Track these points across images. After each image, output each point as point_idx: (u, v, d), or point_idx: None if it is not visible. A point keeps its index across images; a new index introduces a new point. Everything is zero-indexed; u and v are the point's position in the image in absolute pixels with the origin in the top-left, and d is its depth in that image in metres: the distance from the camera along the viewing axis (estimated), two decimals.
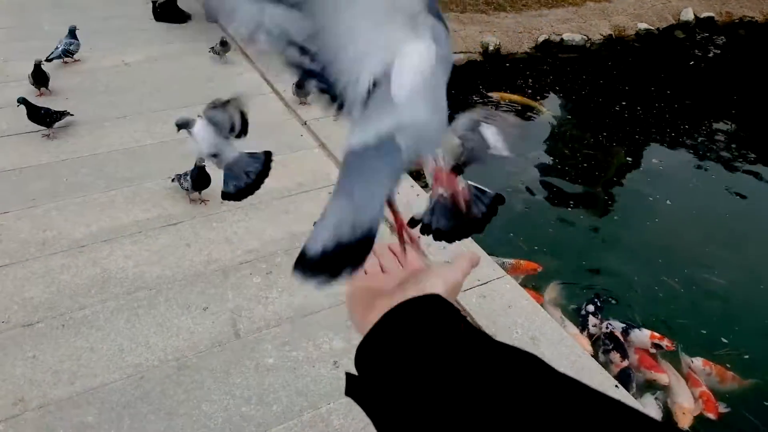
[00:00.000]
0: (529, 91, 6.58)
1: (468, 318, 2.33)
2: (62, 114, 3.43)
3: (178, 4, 5.37)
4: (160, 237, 2.75)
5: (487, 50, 7.03)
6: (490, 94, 6.07)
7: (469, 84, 6.42)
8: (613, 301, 3.37)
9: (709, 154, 5.50)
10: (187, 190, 2.90)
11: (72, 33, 4.24)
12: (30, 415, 1.95)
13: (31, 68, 3.83)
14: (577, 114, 6.31)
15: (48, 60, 4.06)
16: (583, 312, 3.12)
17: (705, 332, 3.33)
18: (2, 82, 4.08)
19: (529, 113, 5.88)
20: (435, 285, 0.49)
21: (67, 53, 4.23)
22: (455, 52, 6.74)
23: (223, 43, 4.38)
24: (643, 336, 2.92)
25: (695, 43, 8.49)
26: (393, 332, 0.43)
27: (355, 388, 0.44)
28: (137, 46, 4.76)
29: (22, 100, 3.32)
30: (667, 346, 2.88)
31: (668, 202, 4.56)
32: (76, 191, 3.03)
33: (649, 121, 6.09)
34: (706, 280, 3.73)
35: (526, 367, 0.38)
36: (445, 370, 0.38)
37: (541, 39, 7.49)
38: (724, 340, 3.24)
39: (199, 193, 2.92)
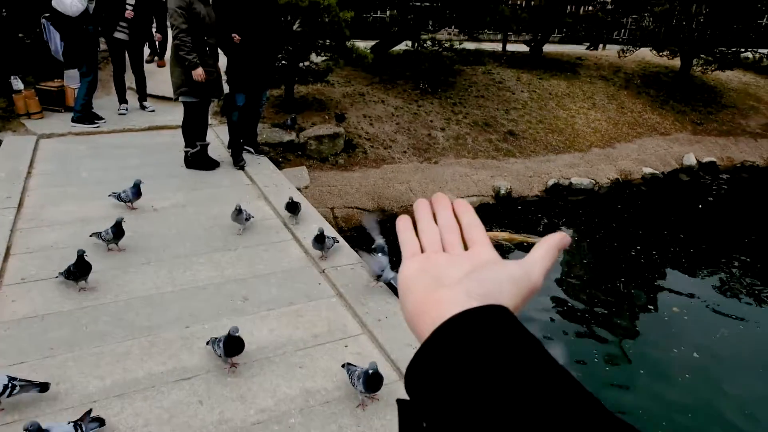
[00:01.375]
0: (540, 229, 6.69)
1: None
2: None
3: (208, 152, 5.76)
4: (173, 393, 2.70)
5: (499, 194, 7.30)
6: (489, 234, 6.18)
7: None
8: None
9: (729, 299, 5.43)
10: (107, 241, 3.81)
11: (136, 186, 4.58)
12: None
13: (66, 213, 4.03)
14: (590, 257, 6.36)
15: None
16: None
17: None
18: (37, 227, 4.28)
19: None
20: (502, 290, 0.41)
21: (120, 198, 4.58)
22: (470, 196, 7.01)
23: (239, 212, 4.29)
24: None
25: (701, 186, 8.77)
26: (444, 355, 0.36)
27: (407, 417, 0.38)
28: (167, 191, 5.04)
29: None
30: None
31: (695, 354, 4.42)
32: (94, 340, 3.04)
33: (664, 264, 6.10)
34: None
35: (590, 406, 0.33)
36: (499, 408, 0.32)
37: (550, 183, 7.81)
38: None
39: None
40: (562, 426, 0.31)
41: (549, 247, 0.48)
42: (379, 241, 3.69)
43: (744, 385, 4.09)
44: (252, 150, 6.18)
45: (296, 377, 2.84)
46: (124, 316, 3.28)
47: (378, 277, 3.60)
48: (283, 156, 6.96)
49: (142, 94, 7.59)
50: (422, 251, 0.50)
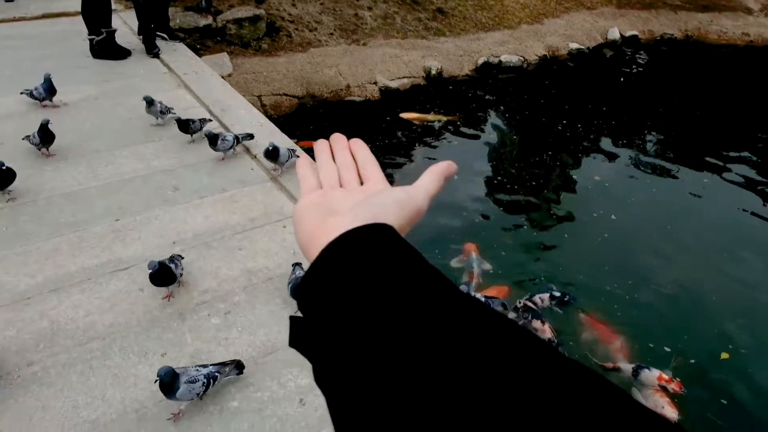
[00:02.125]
0: (472, 108, 6.77)
1: None
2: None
3: (117, 40, 5.27)
4: (111, 283, 2.67)
5: (430, 74, 7.22)
6: (402, 115, 6.22)
7: (410, 106, 6.55)
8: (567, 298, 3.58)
9: (644, 166, 5.81)
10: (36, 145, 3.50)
11: (47, 81, 4.10)
12: None
13: None
14: (519, 132, 6.54)
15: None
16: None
17: (649, 337, 3.50)
18: None
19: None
20: (388, 212, 0.43)
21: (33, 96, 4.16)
22: (400, 77, 6.89)
23: (150, 104, 4.00)
24: (651, 376, 3.09)
25: (624, 60, 9.00)
26: (331, 271, 0.38)
27: (297, 334, 0.39)
28: (76, 85, 4.63)
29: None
30: (674, 388, 3.04)
31: (613, 216, 4.78)
32: (17, 241, 2.90)
33: (588, 136, 6.38)
34: (653, 289, 3.92)
35: (473, 310, 0.33)
36: (384, 313, 0.33)
37: (480, 61, 7.77)
38: (667, 349, 3.42)
39: None
40: (431, 321, 0.32)
41: (435, 174, 0.50)
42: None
43: (651, 239, 4.51)
44: (165, 36, 5.70)
45: (236, 259, 2.87)
46: (45, 214, 3.12)
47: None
48: (201, 42, 6.49)
49: None
50: (321, 188, 0.52)
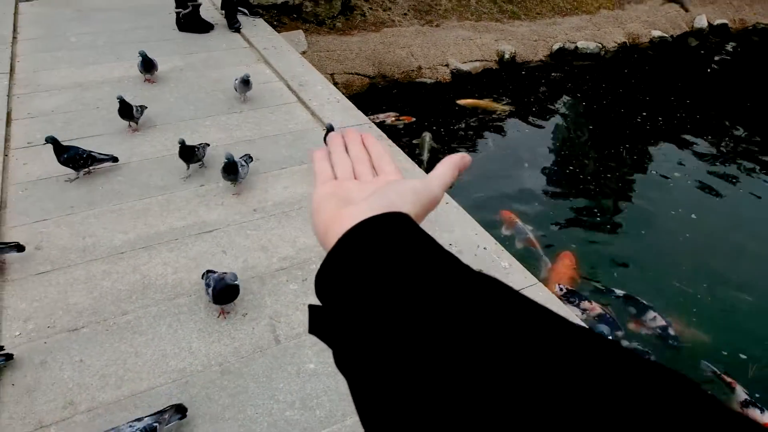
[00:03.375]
0: (545, 97, 6.61)
1: None
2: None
3: (201, 14, 5.46)
4: (197, 244, 2.81)
5: (503, 58, 7.08)
6: (459, 102, 6.11)
7: (481, 90, 6.46)
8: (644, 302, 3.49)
9: (729, 164, 5.51)
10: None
11: (142, 56, 4.22)
12: (80, 418, 2.00)
13: (62, 78, 3.90)
14: (595, 122, 6.32)
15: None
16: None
17: (722, 341, 3.35)
18: (34, 92, 4.16)
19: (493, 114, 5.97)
20: (404, 201, 0.44)
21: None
22: (473, 60, 6.80)
23: (245, 81, 4.03)
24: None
25: (710, 50, 8.51)
26: (347, 259, 0.38)
27: (317, 321, 0.40)
28: (163, 56, 4.84)
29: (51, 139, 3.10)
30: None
31: (693, 216, 4.58)
32: (111, 199, 3.10)
33: (669, 130, 6.10)
34: (731, 294, 3.75)
35: (491, 292, 0.33)
36: (400, 298, 0.34)
37: (555, 47, 7.55)
38: (743, 356, 3.27)
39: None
40: (454, 306, 0.32)
41: (450, 164, 0.51)
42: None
43: (732, 242, 4.29)
44: (246, 11, 5.85)
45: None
46: (137, 177, 3.31)
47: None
48: (277, 19, 6.62)
49: None
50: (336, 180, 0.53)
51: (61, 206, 3.02)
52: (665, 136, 5.95)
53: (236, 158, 3.05)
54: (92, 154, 3.18)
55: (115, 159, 3.29)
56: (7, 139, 3.58)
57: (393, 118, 5.64)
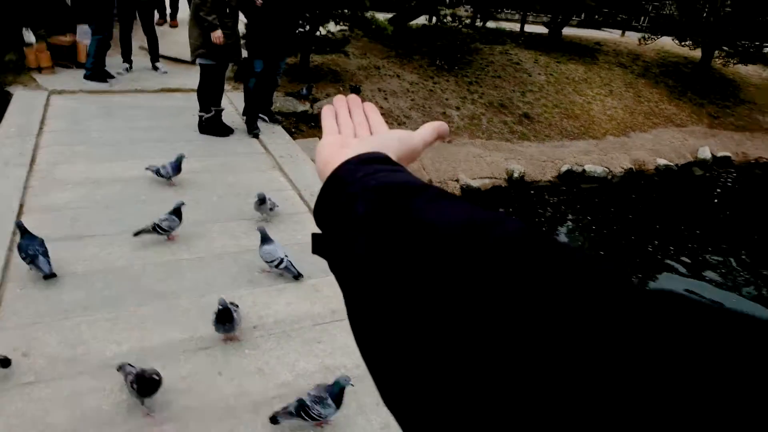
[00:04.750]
0: (554, 218, 6.64)
1: None
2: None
3: (222, 118, 5.65)
4: (191, 361, 2.66)
5: (512, 177, 7.22)
6: None
7: (491, 207, 6.51)
8: None
9: (745, 298, 5.40)
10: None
11: (179, 161, 4.32)
12: None
13: (77, 173, 3.95)
14: (604, 247, 6.29)
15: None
16: None
17: None
18: (49, 185, 4.20)
19: None
20: (389, 146, 0.52)
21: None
22: (483, 177, 6.93)
23: (262, 202, 3.95)
24: None
25: (715, 181, 8.69)
26: (336, 188, 0.45)
27: (317, 245, 0.45)
28: None
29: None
30: None
31: None
32: (108, 305, 2.99)
33: (681, 260, 6.04)
34: None
35: (454, 209, 0.37)
36: (378, 214, 0.39)
37: (564, 169, 7.72)
38: None
39: None
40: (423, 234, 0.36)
41: (431, 128, 0.59)
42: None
43: None
44: (266, 118, 6.07)
45: (314, 353, 2.81)
46: (138, 281, 3.23)
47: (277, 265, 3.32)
48: (296, 126, 6.85)
49: (154, 55, 7.43)
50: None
51: (56, 309, 2.91)
52: (678, 268, 5.89)
53: (228, 303, 2.73)
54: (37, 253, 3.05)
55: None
56: (15, 233, 3.54)
57: None
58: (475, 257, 0.31)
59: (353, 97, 0.67)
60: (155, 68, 7.46)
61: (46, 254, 3.10)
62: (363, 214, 0.40)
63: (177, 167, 4.34)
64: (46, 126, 5.41)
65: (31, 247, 3.09)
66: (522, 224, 0.34)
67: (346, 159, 0.48)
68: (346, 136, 0.59)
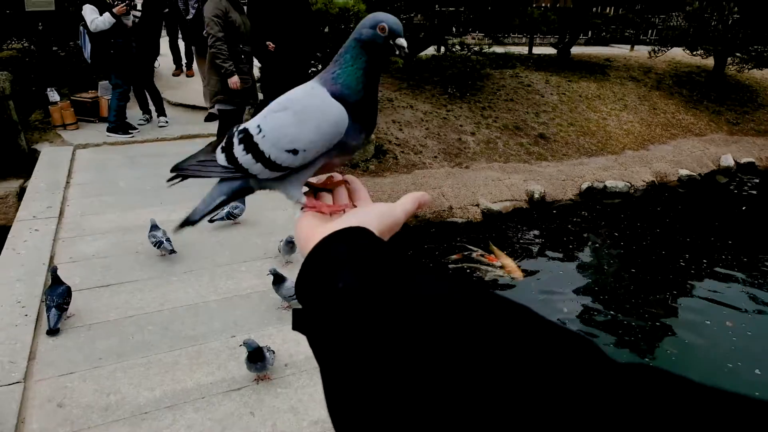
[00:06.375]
0: (579, 235, 6.55)
1: None
2: None
3: None
4: (223, 404, 2.65)
5: (533, 198, 7.17)
6: (471, 247, 5.95)
7: (513, 229, 6.46)
8: None
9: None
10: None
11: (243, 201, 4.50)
12: None
13: (106, 222, 4.03)
14: (636, 266, 6.15)
15: (211, 221, 4.41)
16: None
17: None
18: (78, 236, 4.30)
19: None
20: (370, 219, 0.53)
21: (231, 215, 4.50)
22: (503, 200, 6.90)
23: (289, 243, 3.92)
24: None
25: (741, 187, 8.51)
26: (318, 264, 0.45)
27: (298, 321, 0.46)
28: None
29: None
30: None
31: (757, 371, 4.24)
32: (141, 351, 3.01)
33: (715, 274, 5.87)
34: None
35: (437, 285, 0.39)
36: (359, 290, 0.40)
37: (584, 186, 7.65)
38: None
39: None
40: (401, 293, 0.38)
41: (412, 197, 0.61)
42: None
43: None
44: None
45: None
46: (169, 326, 3.25)
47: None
48: None
49: (159, 109, 7.34)
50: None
51: (89, 358, 2.94)
52: (711, 281, 5.72)
53: (251, 344, 2.69)
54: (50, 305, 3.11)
55: None
56: (45, 284, 3.62)
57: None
58: (458, 331, 0.33)
59: (336, 175, 0.70)
60: (158, 120, 7.33)
61: (60, 307, 3.13)
62: (343, 289, 0.41)
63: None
64: (72, 179, 5.56)
65: (49, 297, 3.15)
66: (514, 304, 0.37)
67: (327, 234, 0.49)
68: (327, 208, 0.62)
